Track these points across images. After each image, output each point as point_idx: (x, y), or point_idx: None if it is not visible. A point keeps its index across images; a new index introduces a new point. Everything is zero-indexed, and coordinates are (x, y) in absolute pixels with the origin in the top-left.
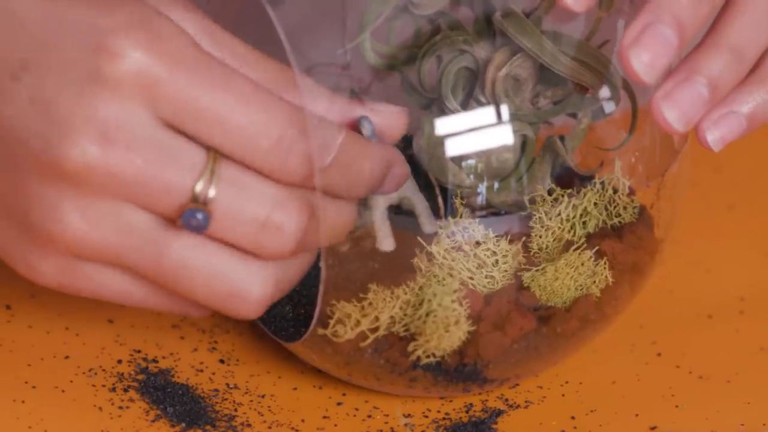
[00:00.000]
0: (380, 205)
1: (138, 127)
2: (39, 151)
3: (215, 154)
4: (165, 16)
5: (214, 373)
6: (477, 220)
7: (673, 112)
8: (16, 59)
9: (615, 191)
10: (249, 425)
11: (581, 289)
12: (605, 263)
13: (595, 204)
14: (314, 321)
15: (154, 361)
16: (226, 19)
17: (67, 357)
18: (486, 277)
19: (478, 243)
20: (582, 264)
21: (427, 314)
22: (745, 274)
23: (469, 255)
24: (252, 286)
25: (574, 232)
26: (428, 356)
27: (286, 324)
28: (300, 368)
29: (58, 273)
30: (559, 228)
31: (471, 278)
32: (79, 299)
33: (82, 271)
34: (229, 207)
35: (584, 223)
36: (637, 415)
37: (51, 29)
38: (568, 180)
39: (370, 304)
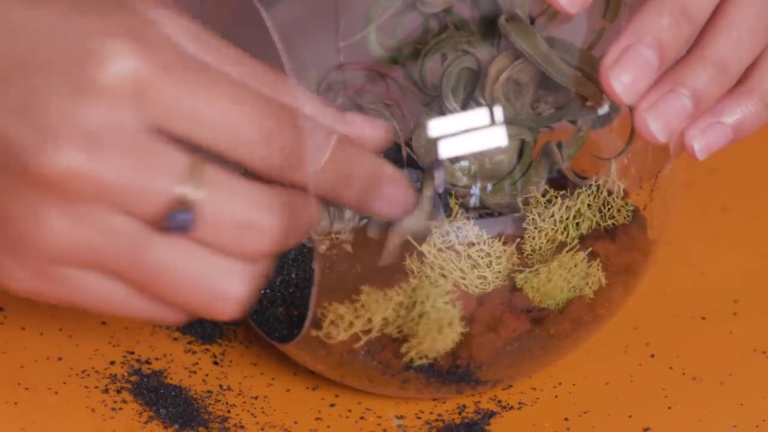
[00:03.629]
0: (401, 233)
1: (124, 132)
2: (24, 157)
3: (198, 157)
4: (153, 22)
5: (207, 375)
6: (471, 220)
7: (657, 122)
8: (4, 64)
9: (609, 193)
10: (242, 427)
11: (574, 291)
12: (598, 265)
13: (589, 206)
14: (307, 322)
15: (147, 362)
16: (220, 21)
17: (60, 358)
18: (479, 278)
19: (471, 244)
20: (575, 265)
21: (420, 316)
22: (739, 275)
23: (462, 255)
24: (232, 286)
25: (568, 234)
26: (421, 358)
27: (279, 325)
28: (293, 370)
29: (34, 278)
30: (553, 229)
31: (463, 279)
32: None
33: (59, 276)
34: (212, 209)
35: (577, 224)
36: (630, 416)
37: (40, 36)
38: (563, 183)
39: (363, 305)
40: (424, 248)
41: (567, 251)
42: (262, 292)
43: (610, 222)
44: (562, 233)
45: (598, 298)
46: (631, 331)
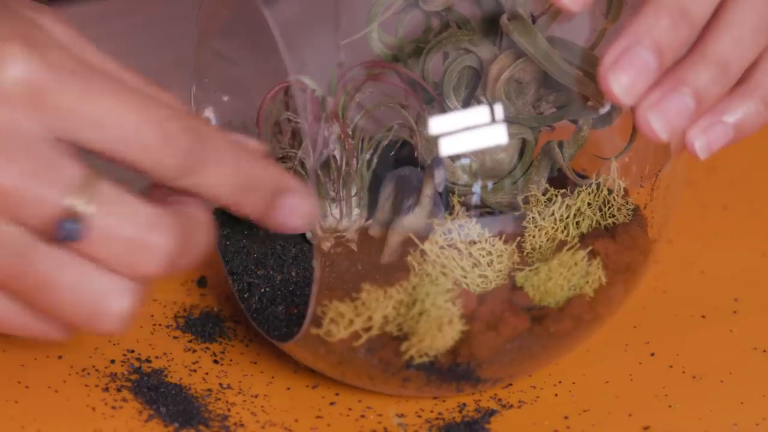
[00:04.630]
0: (402, 231)
1: (18, 137)
2: None
3: (94, 172)
4: (43, 27)
5: (207, 373)
6: (474, 219)
7: (659, 121)
8: None
9: (609, 192)
10: (242, 425)
11: (574, 290)
12: (599, 263)
13: (589, 204)
14: (307, 320)
15: (147, 361)
16: (219, 21)
17: (60, 357)
18: (480, 276)
19: (473, 242)
20: (575, 264)
21: (420, 314)
22: (739, 274)
23: (463, 254)
24: (116, 302)
25: (568, 233)
26: (421, 356)
27: (279, 324)
28: (293, 368)
29: None
30: (553, 228)
31: (464, 277)
32: None
33: None
34: (103, 225)
35: (578, 223)
36: (630, 414)
37: None
38: (564, 182)
39: (363, 303)
40: (426, 246)
41: (567, 250)
42: (262, 290)
43: (610, 221)
44: (563, 232)
45: (598, 297)
46: (631, 330)
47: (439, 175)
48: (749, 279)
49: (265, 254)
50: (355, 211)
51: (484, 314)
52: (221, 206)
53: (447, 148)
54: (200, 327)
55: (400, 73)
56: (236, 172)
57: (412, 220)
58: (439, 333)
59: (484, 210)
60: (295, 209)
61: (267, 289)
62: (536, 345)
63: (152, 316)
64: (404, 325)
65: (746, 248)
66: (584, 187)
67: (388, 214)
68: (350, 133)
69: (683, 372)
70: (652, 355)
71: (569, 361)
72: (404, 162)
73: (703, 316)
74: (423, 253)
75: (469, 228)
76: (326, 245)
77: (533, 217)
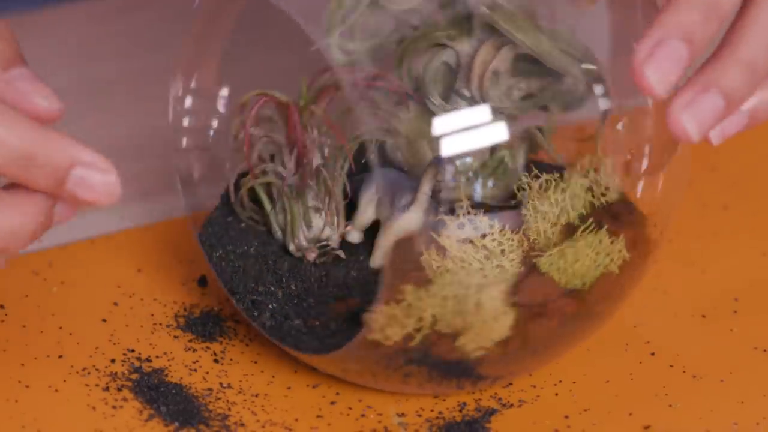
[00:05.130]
0: (398, 231)
1: None
2: None
3: None
4: None
5: (207, 373)
6: (480, 212)
7: (692, 122)
8: None
9: (596, 171)
10: (242, 424)
11: (602, 268)
12: (621, 240)
13: (581, 186)
14: (363, 328)
15: (148, 360)
16: (220, 17)
17: (60, 356)
18: (496, 267)
19: (483, 235)
20: (600, 242)
21: (476, 306)
22: (740, 273)
23: (477, 246)
24: None
25: (569, 215)
26: (477, 349)
27: (304, 337)
28: (294, 367)
29: None
30: (553, 213)
31: (482, 269)
32: (73, 300)
33: None
34: None
35: (573, 205)
36: (630, 414)
37: None
38: (550, 168)
39: (410, 305)
40: (444, 242)
41: (588, 231)
42: (270, 307)
43: (603, 200)
44: (565, 215)
45: (623, 274)
46: (632, 329)
47: (439, 174)
48: (749, 278)
49: (260, 271)
50: (336, 218)
51: (525, 301)
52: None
53: (447, 147)
54: (200, 326)
55: (381, 77)
56: (8, 146)
57: (410, 218)
58: (496, 324)
59: (479, 204)
60: (88, 182)
61: (274, 305)
62: (577, 327)
63: (152, 315)
64: (454, 321)
65: (746, 248)
66: (576, 170)
67: (370, 218)
68: (340, 139)
69: (683, 371)
70: (653, 354)
71: (569, 360)
72: (370, 167)
73: (704, 316)
74: (442, 249)
75: (478, 222)
76: (311, 256)
77: (532, 204)
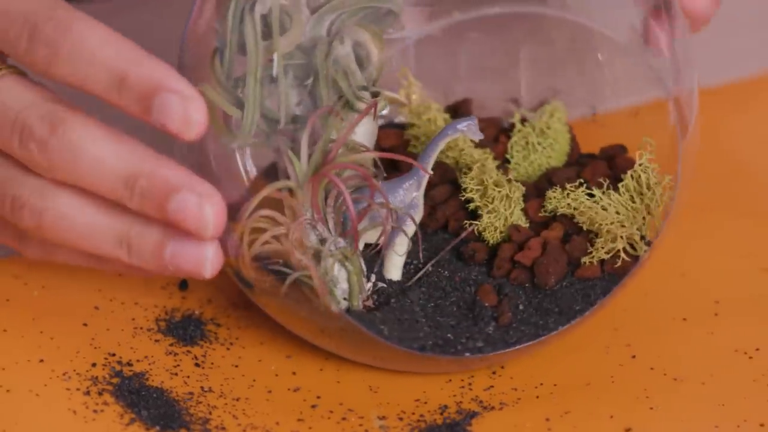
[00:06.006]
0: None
1: None
2: None
3: None
4: None
5: (188, 377)
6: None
7: None
8: None
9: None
10: (223, 428)
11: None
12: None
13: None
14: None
15: (129, 364)
16: None
17: (41, 360)
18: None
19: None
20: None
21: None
22: (720, 277)
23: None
24: None
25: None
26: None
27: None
28: (274, 371)
29: None
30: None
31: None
32: (54, 304)
33: None
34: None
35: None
36: (611, 416)
37: None
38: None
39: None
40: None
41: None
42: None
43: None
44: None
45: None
46: (612, 332)
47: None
48: (730, 281)
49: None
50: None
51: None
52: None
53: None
54: (181, 330)
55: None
56: (105, 66)
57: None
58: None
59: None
60: (170, 109)
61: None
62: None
63: (133, 319)
64: None
65: (727, 251)
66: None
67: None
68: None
69: (664, 374)
70: (634, 357)
71: (550, 362)
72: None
73: (684, 319)
74: None
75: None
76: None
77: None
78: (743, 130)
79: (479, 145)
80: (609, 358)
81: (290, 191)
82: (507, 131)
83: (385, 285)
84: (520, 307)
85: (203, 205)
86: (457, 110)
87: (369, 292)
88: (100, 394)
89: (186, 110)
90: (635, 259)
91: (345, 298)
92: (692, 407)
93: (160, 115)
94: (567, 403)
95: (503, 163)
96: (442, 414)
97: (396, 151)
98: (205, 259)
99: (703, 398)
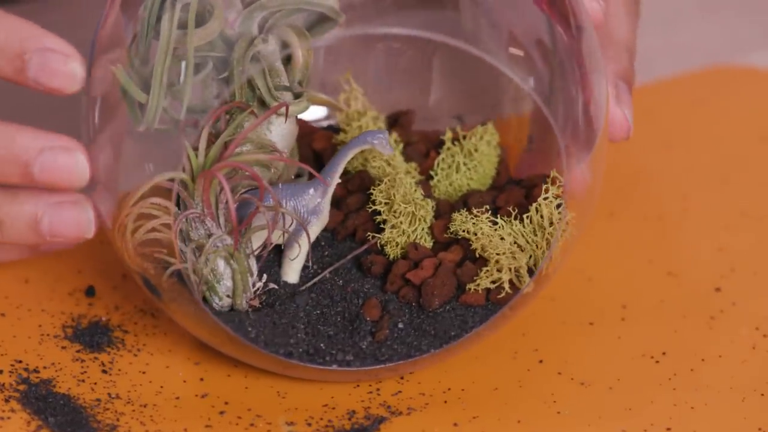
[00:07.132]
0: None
1: None
2: None
3: None
4: None
5: (95, 383)
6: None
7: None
8: None
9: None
10: None
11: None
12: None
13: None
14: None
15: (36, 371)
16: None
17: None
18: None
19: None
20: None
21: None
22: (627, 281)
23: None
24: None
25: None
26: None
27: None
28: (182, 378)
29: None
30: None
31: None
32: None
33: None
34: None
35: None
36: (519, 421)
37: None
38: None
39: None
40: None
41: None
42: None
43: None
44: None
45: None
46: (520, 337)
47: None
48: (637, 286)
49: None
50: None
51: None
52: None
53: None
54: (88, 337)
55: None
56: None
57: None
58: None
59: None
60: (46, 66)
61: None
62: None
63: (40, 326)
64: None
65: (633, 255)
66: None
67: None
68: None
69: (572, 379)
70: (541, 362)
71: (458, 368)
72: None
73: (591, 323)
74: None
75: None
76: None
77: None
78: (646, 135)
79: (409, 158)
80: (517, 363)
81: (184, 183)
82: (438, 148)
83: (276, 287)
84: (400, 325)
85: (71, 157)
86: (397, 120)
87: (258, 292)
88: (6, 401)
89: (66, 64)
90: (517, 291)
91: (228, 296)
92: (599, 412)
93: (39, 72)
94: (475, 408)
95: (427, 180)
96: (350, 419)
97: (325, 154)
98: (88, 220)
99: (610, 403)
